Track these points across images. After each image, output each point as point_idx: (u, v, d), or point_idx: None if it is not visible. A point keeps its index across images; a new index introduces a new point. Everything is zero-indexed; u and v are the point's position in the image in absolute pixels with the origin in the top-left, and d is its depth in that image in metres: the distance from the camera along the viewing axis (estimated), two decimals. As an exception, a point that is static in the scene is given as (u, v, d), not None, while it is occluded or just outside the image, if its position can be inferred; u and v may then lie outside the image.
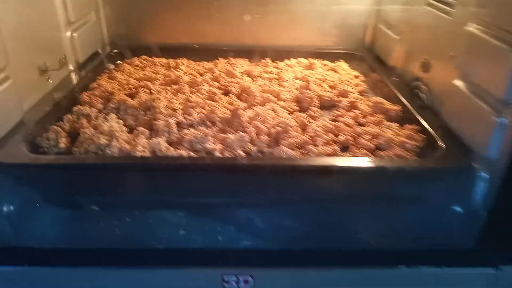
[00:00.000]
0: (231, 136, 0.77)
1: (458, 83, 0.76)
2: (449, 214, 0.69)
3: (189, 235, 0.70)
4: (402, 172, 0.68)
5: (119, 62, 1.16)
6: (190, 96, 0.88)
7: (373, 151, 0.78)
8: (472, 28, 0.72)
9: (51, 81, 0.89)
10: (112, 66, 1.13)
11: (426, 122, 0.82)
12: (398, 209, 0.71)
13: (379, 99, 0.93)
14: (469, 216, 0.69)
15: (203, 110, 0.85)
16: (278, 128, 0.80)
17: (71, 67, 1.00)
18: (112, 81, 1.00)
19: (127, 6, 1.21)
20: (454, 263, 0.68)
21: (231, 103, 0.91)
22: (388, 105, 0.91)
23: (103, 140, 0.71)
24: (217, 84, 1.02)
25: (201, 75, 1.07)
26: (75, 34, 1.02)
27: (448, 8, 0.83)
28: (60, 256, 0.67)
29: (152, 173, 0.68)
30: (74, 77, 0.99)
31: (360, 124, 0.88)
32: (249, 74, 1.10)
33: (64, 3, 0.96)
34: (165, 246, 0.69)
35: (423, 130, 0.81)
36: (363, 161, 0.68)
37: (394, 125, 0.85)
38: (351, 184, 0.69)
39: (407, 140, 0.78)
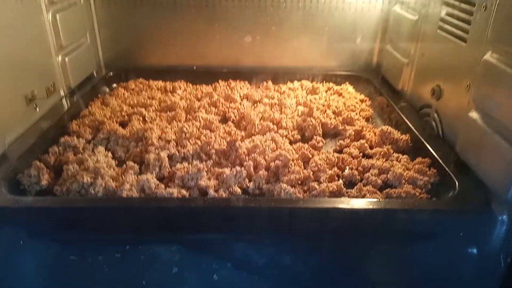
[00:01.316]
0: (227, 171, 0.71)
1: (474, 115, 0.70)
2: (464, 261, 0.63)
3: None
4: (412, 215, 0.61)
5: (114, 85, 1.11)
6: (185, 125, 0.83)
7: (381, 188, 0.72)
8: (489, 56, 0.67)
9: (38, 110, 0.84)
10: (107, 90, 1.08)
11: (438, 155, 0.76)
12: (408, 254, 0.64)
13: (386, 127, 0.87)
14: (486, 264, 0.62)
15: (198, 142, 0.80)
16: (278, 162, 0.74)
17: (62, 93, 0.96)
18: (105, 108, 0.95)
19: (124, 27, 1.16)
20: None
21: (228, 133, 0.86)
22: (396, 134, 0.85)
23: (86, 179, 0.65)
24: (215, 110, 0.97)
25: (198, 100, 1.02)
26: (67, 58, 0.97)
27: (462, 34, 0.77)
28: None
29: (137, 215, 0.63)
30: (65, 104, 0.94)
31: (366, 156, 0.82)
32: (249, 99, 1.05)
33: (55, 28, 0.92)
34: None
35: (435, 164, 0.75)
36: (368, 204, 0.62)
37: (404, 158, 0.79)
38: (355, 228, 0.63)
39: (418, 176, 0.72)
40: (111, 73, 1.16)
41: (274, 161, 0.75)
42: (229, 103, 1.00)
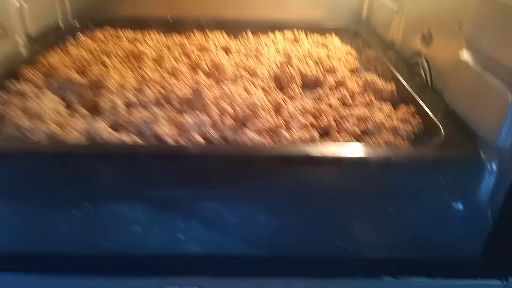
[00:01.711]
0: (188, 119, 0.64)
1: (466, 56, 0.62)
2: (448, 214, 0.57)
3: (125, 238, 0.58)
4: (391, 162, 0.55)
5: (79, 36, 1.03)
6: (147, 71, 0.76)
7: (358, 137, 0.65)
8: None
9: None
10: (71, 39, 1.00)
11: (425, 103, 0.69)
12: (385, 207, 0.58)
13: (371, 77, 0.79)
14: (472, 217, 0.56)
15: (161, 89, 0.72)
16: (247, 110, 0.67)
17: (19, 40, 0.87)
18: (65, 56, 0.87)
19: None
20: (453, 274, 0.55)
21: (197, 82, 0.78)
22: (381, 83, 0.78)
23: (28, 123, 0.58)
24: (186, 60, 0.89)
25: (170, 50, 0.94)
26: (25, 5, 0.89)
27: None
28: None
29: (86, 165, 0.56)
30: (21, 51, 0.86)
31: (347, 106, 0.75)
32: (225, 50, 0.97)
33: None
34: (98, 251, 0.58)
35: (420, 112, 0.68)
36: (340, 150, 0.55)
37: (387, 107, 0.72)
38: (325, 178, 0.56)
39: (400, 124, 0.65)
40: (77, 23, 1.07)
41: (244, 109, 0.67)
42: (203, 53, 0.92)
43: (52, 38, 0.97)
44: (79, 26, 1.07)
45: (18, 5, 0.87)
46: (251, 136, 0.61)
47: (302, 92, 0.79)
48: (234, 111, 0.68)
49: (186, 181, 0.56)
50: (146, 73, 0.76)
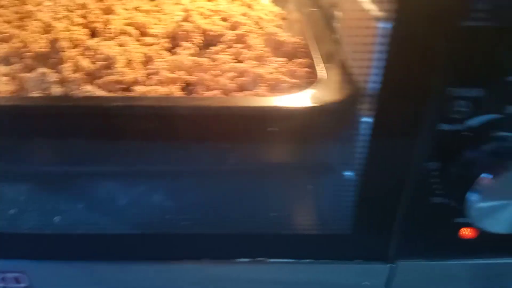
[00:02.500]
0: (30, 75, 0.55)
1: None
2: (307, 178, 0.45)
3: None
4: (229, 114, 0.44)
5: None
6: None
7: (229, 92, 0.54)
8: None
9: None
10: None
11: (320, 56, 0.58)
12: (227, 170, 0.47)
13: (273, 30, 0.68)
14: (337, 180, 0.44)
15: (18, 45, 0.63)
16: (103, 64, 0.57)
17: None
18: None
19: None
20: (309, 255, 0.44)
21: (56, 39, 0.68)
22: (282, 36, 0.67)
23: None
24: (82, 21, 0.79)
25: (68, 10, 0.84)
26: None
27: None
28: None
29: None
30: None
31: (237, 61, 0.64)
32: (137, 10, 0.86)
33: None
34: None
35: (312, 66, 0.57)
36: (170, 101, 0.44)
37: (280, 61, 0.61)
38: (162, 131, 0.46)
39: (283, 78, 0.55)
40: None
41: (99, 64, 0.57)
42: (105, 15, 0.82)
43: None
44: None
45: None
46: (88, 89, 0.51)
47: (195, 48, 0.68)
48: (92, 65, 0.58)
49: None
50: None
